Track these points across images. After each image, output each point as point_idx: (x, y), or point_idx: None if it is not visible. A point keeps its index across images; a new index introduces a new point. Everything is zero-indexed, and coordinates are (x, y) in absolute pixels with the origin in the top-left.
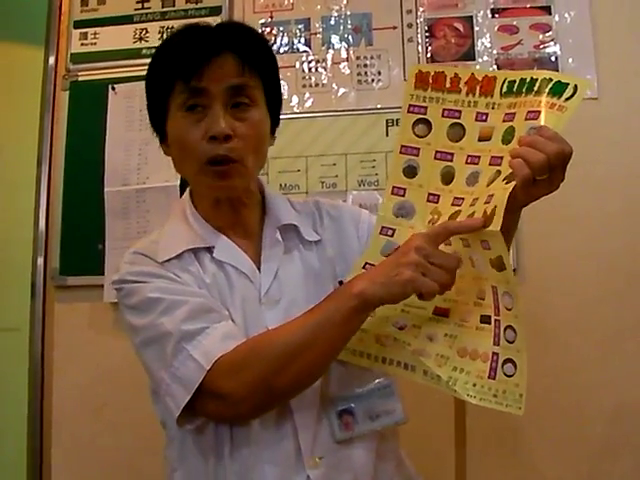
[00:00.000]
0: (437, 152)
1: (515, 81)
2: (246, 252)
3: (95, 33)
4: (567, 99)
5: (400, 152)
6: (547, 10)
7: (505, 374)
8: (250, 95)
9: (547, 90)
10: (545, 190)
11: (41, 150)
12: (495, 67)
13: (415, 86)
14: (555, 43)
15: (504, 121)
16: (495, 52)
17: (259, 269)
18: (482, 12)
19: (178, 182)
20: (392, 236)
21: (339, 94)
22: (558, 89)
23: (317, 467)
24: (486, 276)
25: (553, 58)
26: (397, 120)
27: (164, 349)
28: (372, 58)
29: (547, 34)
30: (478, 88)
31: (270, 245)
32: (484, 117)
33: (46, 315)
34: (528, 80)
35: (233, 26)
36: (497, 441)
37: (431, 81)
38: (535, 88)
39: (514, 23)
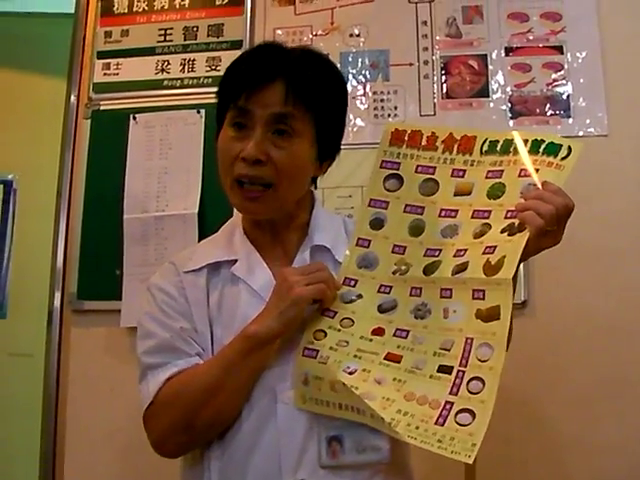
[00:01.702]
0: (407, 205)
1: (498, 141)
2: (274, 269)
3: (118, 64)
4: (563, 158)
5: (369, 205)
6: (559, 50)
7: (457, 423)
8: (292, 125)
9: (541, 150)
10: (551, 242)
11: (62, 176)
12: (509, 104)
13: (390, 143)
14: (567, 81)
15: (487, 178)
16: (509, 89)
17: None
18: (496, 51)
19: (196, 210)
20: (354, 286)
21: (356, 128)
22: (552, 149)
23: None
24: (460, 327)
25: (565, 96)
26: None
27: (139, 371)
28: (389, 93)
29: (559, 73)
30: (456, 146)
31: (297, 265)
32: (461, 173)
33: (62, 340)
34: (513, 140)
35: (294, 51)
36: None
37: (407, 139)
38: (529, 148)
39: (527, 62)
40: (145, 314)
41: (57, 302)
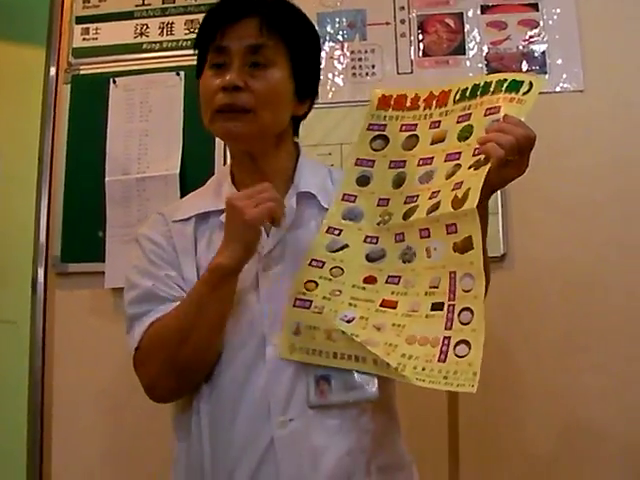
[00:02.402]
0: (391, 162)
1: (467, 88)
2: None
3: (97, 28)
4: (524, 93)
5: (355, 164)
6: (534, 7)
7: (457, 355)
8: (267, 55)
9: (504, 88)
10: (515, 173)
11: (43, 141)
12: (485, 61)
13: (377, 107)
14: (542, 38)
15: (458, 122)
16: (485, 47)
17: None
18: (472, 9)
19: (177, 171)
20: (339, 235)
21: (334, 87)
22: (514, 86)
23: (284, 428)
24: (443, 263)
25: (541, 52)
26: None
27: (126, 323)
28: (366, 52)
29: (534, 30)
30: (434, 102)
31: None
32: (437, 124)
33: (47, 303)
34: (482, 84)
35: None
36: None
37: (393, 103)
38: (491, 89)
39: (503, 19)
40: (132, 267)
41: (41, 267)
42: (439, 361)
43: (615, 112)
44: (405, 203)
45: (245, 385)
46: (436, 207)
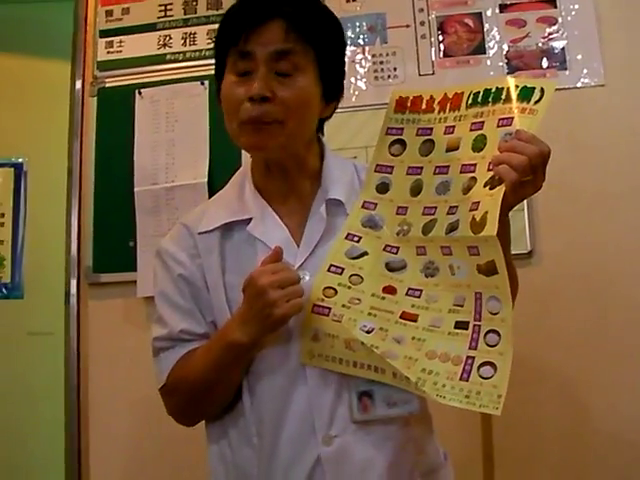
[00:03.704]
0: (409, 168)
1: (479, 92)
2: (288, 224)
3: (120, 41)
4: (536, 102)
5: (375, 170)
6: (553, 3)
7: (481, 376)
8: (294, 61)
9: (515, 96)
10: (531, 190)
11: (72, 154)
12: (505, 60)
13: (395, 110)
14: (562, 35)
15: (471, 130)
16: (505, 45)
17: (299, 244)
18: (490, 8)
19: (206, 179)
20: (358, 242)
21: (357, 91)
22: (526, 94)
23: (330, 445)
24: (468, 283)
25: (560, 49)
26: None
27: (153, 347)
28: (387, 55)
29: (553, 26)
30: (448, 105)
31: (314, 220)
32: (451, 129)
33: (80, 313)
34: (493, 90)
35: None
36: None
37: (409, 104)
38: (502, 96)
39: (522, 17)
40: (160, 292)
41: (74, 278)
42: (461, 379)
43: (636, 105)
44: (423, 214)
45: (287, 404)
46: (455, 227)
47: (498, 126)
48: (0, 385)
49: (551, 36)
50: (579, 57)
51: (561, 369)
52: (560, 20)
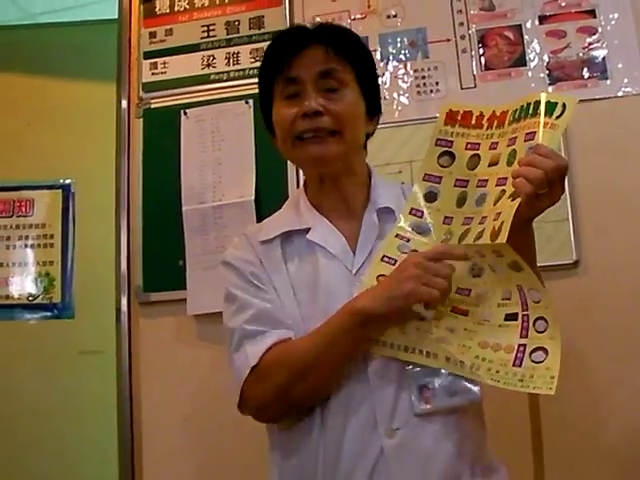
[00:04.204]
0: (457, 180)
1: (517, 109)
2: (344, 233)
3: (164, 62)
4: (557, 117)
5: (423, 179)
6: (592, 14)
7: (533, 361)
8: (338, 78)
9: (541, 111)
10: (548, 203)
11: (119, 175)
12: (547, 71)
13: (445, 123)
14: (602, 44)
15: (508, 146)
16: (545, 56)
17: (355, 251)
18: (530, 20)
19: (253, 197)
20: (408, 242)
21: (400, 106)
22: (550, 108)
23: (392, 437)
24: (509, 277)
25: (601, 58)
26: None
27: (230, 342)
28: (429, 70)
29: (593, 36)
30: (496, 122)
31: (367, 228)
32: (495, 146)
33: (132, 332)
34: (525, 106)
35: (322, 24)
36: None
37: (459, 118)
38: (531, 111)
39: (561, 28)
40: (233, 286)
41: (124, 297)
42: (514, 365)
43: None
44: (463, 224)
45: (351, 399)
46: (480, 235)
47: (525, 140)
48: (52, 404)
49: (591, 46)
50: (620, 66)
51: (610, 380)
52: (600, 30)
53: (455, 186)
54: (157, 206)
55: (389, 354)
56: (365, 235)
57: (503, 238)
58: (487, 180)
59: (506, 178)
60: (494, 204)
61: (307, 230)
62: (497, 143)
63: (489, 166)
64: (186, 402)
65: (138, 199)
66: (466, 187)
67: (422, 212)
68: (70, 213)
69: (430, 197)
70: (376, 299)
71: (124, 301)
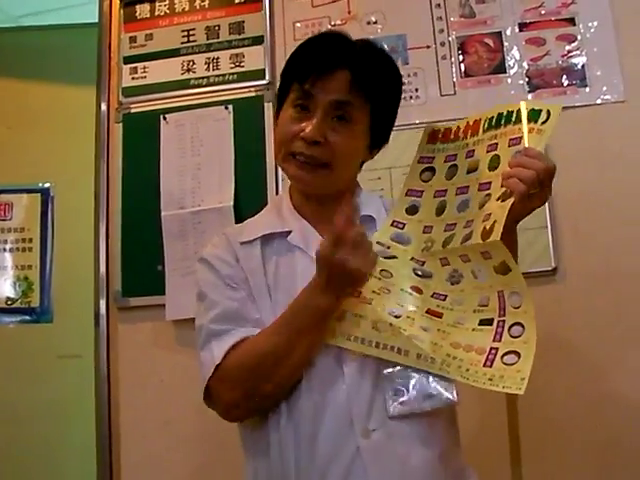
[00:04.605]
0: (436, 191)
1: (493, 117)
2: (324, 237)
3: (144, 67)
4: (543, 123)
5: (406, 194)
6: (571, 21)
7: (504, 363)
8: (351, 113)
9: (524, 117)
10: (538, 202)
11: (98, 180)
12: (526, 78)
13: (427, 142)
14: (581, 52)
15: (488, 152)
16: (525, 64)
17: None
18: (510, 27)
19: (232, 203)
20: (388, 249)
21: None
22: (534, 115)
23: (368, 438)
24: (490, 283)
25: (580, 66)
26: None
27: (198, 340)
28: (409, 76)
29: (573, 44)
30: (469, 131)
31: None
32: (471, 153)
33: (110, 337)
34: (505, 113)
35: (359, 42)
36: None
37: (440, 136)
38: (513, 118)
39: (541, 35)
40: (206, 283)
41: (102, 301)
42: (484, 366)
43: None
44: (445, 231)
45: (325, 400)
46: (469, 237)
47: (509, 145)
48: (31, 408)
49: (571, 53)
50: (599, 74)
51: (588, 387)
52: (579, 37)
53: (435, 197)
54: (136, 211)
55: (360, 350)
56: None
57: (497, 235)
58: (467, 187)
59: (490, 182)
60: (479, 208)
61: (288, 233)
62: (473, 150)
63: (467, 173)
64: (165, 407)
65: (117, 204)
66: (445, 196)
67: (404, 224)
68: (49, 217)
69: (412, 210)
70: (327, 291)
71: (103, 306)
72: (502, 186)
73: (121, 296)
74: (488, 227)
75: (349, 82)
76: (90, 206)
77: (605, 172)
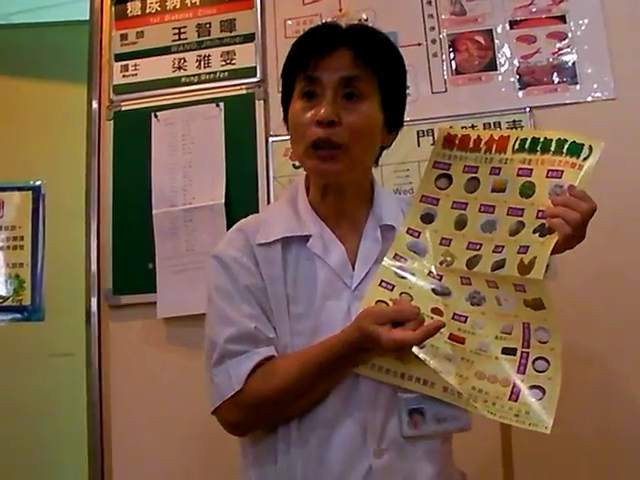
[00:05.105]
0: (454, 202)
1: (527, 139)
2: (345, 245)
3: (135, 65)
4: (585, 159)
5: (420, 200)
6: (562, 19)
7: (530, 398)
8: (360, 87)
9: (565, 150)
10: (576, 242)
11: (89, 178)
12: (517, 75)
13: (443, 146)
14: (572, 49)
15: (519, 175)
16: (516, 61)
17: (354, 265)
18: (501, 25)
19: (223, 200)
20: (405, 263)
21: None
22: (575, 149)
23: (381, 457)
24: (515, 313)
25: (571, 63)
26: (427, 131)
27: (210, 354)
28: None
29: (564, 41)
30: (494, 146)
31: (369, 243)
32: (497, 171)
33: (101, 335)
34: (542, 139)
35: (356, 25)
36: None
37: (457, 142)
38: (551, 148)
39: (532, 33)
40: (221, 290)
41: (94, 299)
42: (510, 400)
43: None
44: (468, 249)
45: (339, 418)
46: (501, 265)
47: (547, 176)
48: (23, 406)
49: (561, 51)
50: (589, 71)
51: (579, 384)
52: (570, 35)
53: (452, 208)
54: (127, 209)
55: (385, 379)
56: (366, 250)
57: (539, 274)
58: (494, 207)
59: (522, 209)
60: (510, 234)
61: (307, 237)
62: (499, 169)
63: (492, 191)
64: (155, 404)
65: (108, 201)
66: (465, 210)
67: (419, 232)
68: (40, 215)
69: (427, 218)
70: (359, 352)
71: (94, 304)
72: (540, 216)
73: (112, 294)
74: (527, 262)
75: (352, 58)
76: (81, 204)
77: (595, 170)
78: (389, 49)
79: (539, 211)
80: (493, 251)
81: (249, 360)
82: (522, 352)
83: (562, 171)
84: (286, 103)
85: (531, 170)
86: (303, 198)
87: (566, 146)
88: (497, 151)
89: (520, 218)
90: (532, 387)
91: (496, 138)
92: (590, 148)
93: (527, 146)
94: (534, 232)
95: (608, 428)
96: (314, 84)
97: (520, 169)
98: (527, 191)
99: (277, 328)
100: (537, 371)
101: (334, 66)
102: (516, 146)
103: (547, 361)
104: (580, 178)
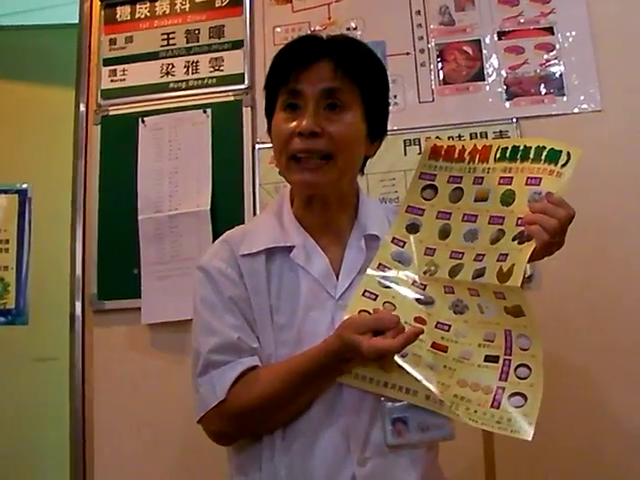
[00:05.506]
0: (439, 212)
1: (507, 147)
2: (327, 254)
3: (124, 70)
4: (563, 165)
5: (406, 211)
6: (550, 31)
7: (511, 405)
8: (342, 98)
9: (543, 157)
10: (555, 249)
11: (76, 182)
12: (504, 86)
13: (429, 157)
14: (559, 61)
15: (500, 184)
16: (503, 72)
17: (338, 275)
18: (489, 35)
19: (209, 207)
20: (389, 273)
21: None
22: (553, 156)
23: (364, 466)
24: (497, 321)
25: (558, 75)
26: (414, 140)
27: (195, 364)
28: None
29: (551, 53)
30: (478, 156)
31: (353, 253)
32: (480, 180)
33: (85, 340)
34: (521, 147)
35: (337, 37)
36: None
37: (443, 153)
38: (530, 155)
39: (520, 44)
40: (205, 302)
41: (78, 304)
42: (492, 407)
43: (634, 130)
44: (450, 257)
45: (323, 427)
46: (482, 274)
47: (526, 184)
48: (7, 410)
49: (549, 62)
50: (576, 83)
51: (561, 393)
52: (557, 46)
53: (437, 218)
54: (113, 214)
55: (368, 388)
56: (350, 259)
57: (517, 281)
58: (476, 215)
59: (502, 217)
60: (491, 243)
61: (290, 248)
62: (482, 178)
63: (475, 201)
64: (139, 410)
65: (94, 206)
66: (449, 219)
67: (404, 242)
68: (26, 218)
69: (412, 228)
70: (341, 362)
71: (78, 308)
72: (519, 224)
73: (97, 299)
74: (505, 269)
75: (333, 69)
76: (67, 208)
77: (581, 181)
78: (371, 60)
79: (518, 218)
80: (474, 259)
81: (232, 370)
82: (504, 359)
83: (541, 178)
84: (269, 115)
85: (511, 178)
86: (287, 209)
87: (544, 153)
88: (480, 161)
89: (501, 226)
90: (514, 394)
91: (479, 148)
92: (568, 155)
93: (508, 155)
94: (513, 240)
95: (590, 437)
96: (296, 96)
97: (501, 178)
98: (507, 199)
99: (261, 338)
100: (519, 378)
101: (315, 78)
102: (498, 155)
103: (529, 368)
104: (552, 183)
